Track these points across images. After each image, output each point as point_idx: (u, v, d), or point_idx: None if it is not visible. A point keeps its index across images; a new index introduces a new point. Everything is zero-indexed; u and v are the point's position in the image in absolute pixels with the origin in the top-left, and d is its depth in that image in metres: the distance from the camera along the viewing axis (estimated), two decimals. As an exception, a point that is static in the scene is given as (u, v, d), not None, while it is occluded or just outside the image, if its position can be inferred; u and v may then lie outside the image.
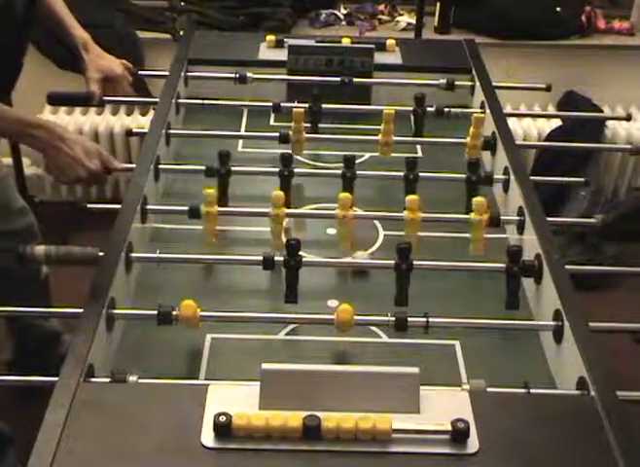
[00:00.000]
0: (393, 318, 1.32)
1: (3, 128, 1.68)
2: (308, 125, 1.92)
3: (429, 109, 1.97)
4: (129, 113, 3.28)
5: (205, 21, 3.16)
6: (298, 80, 2.12)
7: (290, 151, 1.79)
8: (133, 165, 1.72)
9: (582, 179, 2.03)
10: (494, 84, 2.11)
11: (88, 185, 1.79)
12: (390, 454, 1.05)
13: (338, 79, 2.08)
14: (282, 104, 1.99)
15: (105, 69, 1.97)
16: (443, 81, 2.12)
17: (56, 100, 2.18)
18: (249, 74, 2.10)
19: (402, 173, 1.69)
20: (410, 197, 1.55)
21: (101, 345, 1.27)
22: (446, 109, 1.98)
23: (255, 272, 1.51)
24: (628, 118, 2.27)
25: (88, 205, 1.70)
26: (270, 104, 2.00)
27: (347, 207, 1.55)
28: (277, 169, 1.69)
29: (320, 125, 1.94)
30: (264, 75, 2.12)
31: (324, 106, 1.97)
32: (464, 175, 1.70)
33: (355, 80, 2.09)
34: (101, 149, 1.69)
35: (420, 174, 1.69)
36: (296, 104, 1.91)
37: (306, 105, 1.92)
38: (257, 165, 1.79)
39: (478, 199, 1.56)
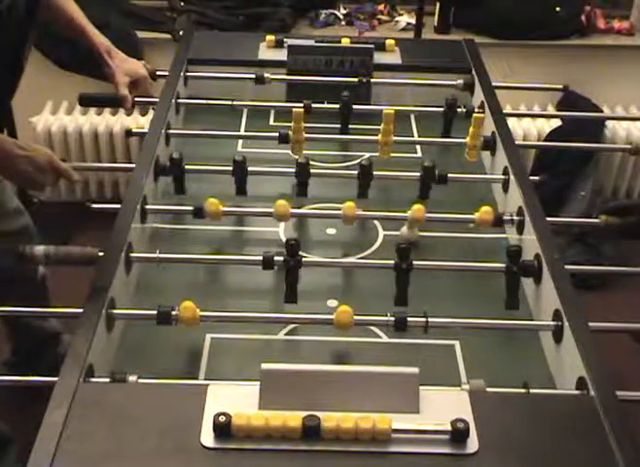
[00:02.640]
0: (392, 318, 1.32)
1: None
2: (337, 126, 1.95)
3: (460, 110, 1.98)
4: (129, 113, 3.27)
5: (205, 21, 3.15)
6: (328, 81, 2.11)
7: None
8: (108, 165, 1.72)
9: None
10: (508, 85, 2.12)
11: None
12: (390, 454, 1.05)
13: (356, 79, 2.10)
14: (313, 105, 1.98)
15: (131, 72, 2.00)
16: (460, 81, 2.13)
17: (88, 102, 2.22)
18: (266, 74, 2.10)
19: (407, 173, 1.70)
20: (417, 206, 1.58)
21: (101, 345, 1.27)
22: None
23: (254, 272, 1.51)
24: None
25: (93, 205, 1.70)
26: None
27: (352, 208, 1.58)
28: (293, 171, 1.70)
29: (320, 126, 1.93)
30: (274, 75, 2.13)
31: (323, 106, 1.98)
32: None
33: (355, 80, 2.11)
34: (55, 160, 1.66)
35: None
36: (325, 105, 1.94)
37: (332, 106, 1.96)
38: (256, 165, 1.79)
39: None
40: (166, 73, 2.10)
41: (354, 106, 2.02)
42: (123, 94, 1.97)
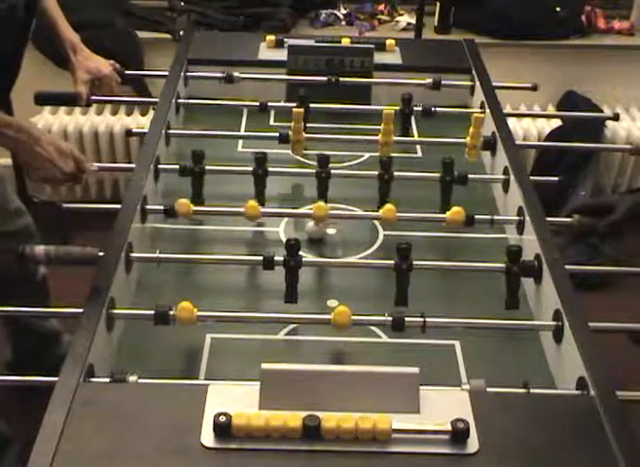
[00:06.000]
0: (390, 318, 1.32)
1: None
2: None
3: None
4: (129, 113, 3.27)
5: (205, 21, 3.15)
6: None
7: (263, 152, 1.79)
8: (108, 165, 1.72)
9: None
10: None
11: (62, 184, 1.83)
12: (390, 454, 1.05)
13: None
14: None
15: (92, 70, 2.01)
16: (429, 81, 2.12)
17: (44, 100, 2.20)
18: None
19: (407, 173, 1.70)
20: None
21: (101, 345, 1.27)
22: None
23: (254, 272, 1.51)
24: (616, 117, 2.24)
25: (65, 205, 1.71)
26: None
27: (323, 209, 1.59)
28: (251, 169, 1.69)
29: (319, 126, 1.93)
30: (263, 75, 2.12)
31: (323, 106, 1.98)
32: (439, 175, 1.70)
33: (355, 80, 2.11)
34: (74, 149, 1.70)
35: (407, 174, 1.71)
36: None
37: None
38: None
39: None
40: (166, 73, 2.10)
41: (355, 106, 2.02)
42: (77, 91, 1.98)
